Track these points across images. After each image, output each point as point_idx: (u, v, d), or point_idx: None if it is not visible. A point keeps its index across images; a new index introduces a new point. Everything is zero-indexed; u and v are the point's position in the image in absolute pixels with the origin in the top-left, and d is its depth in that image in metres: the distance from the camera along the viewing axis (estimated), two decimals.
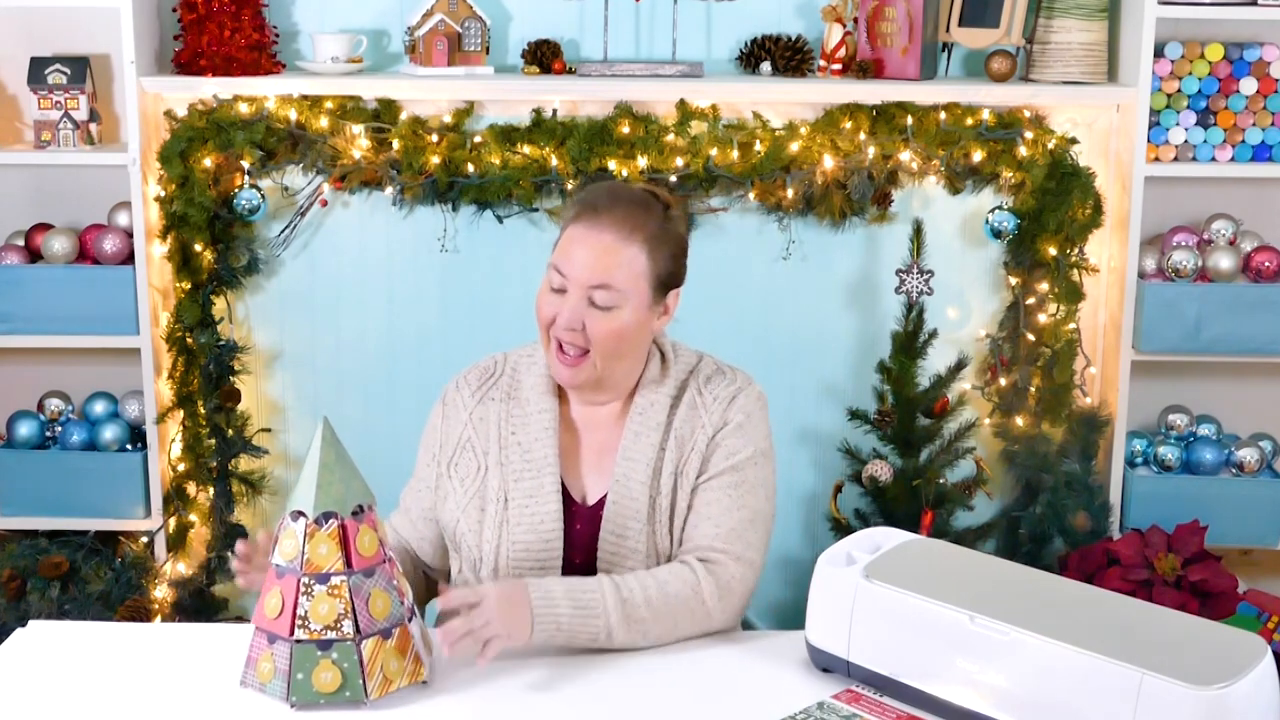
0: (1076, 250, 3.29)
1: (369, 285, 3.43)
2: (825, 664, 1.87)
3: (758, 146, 3.24)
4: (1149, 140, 3.26)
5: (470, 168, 3.23)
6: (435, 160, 3.22)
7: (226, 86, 3.21)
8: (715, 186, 3.28)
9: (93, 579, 3.24)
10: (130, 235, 3.27)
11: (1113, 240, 3.36)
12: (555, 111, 3.29)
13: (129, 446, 3.38)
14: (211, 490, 3.37)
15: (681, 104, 3.26)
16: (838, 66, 3.29)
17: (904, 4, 3.21)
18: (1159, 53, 3.26)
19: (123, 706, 1.80)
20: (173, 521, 3.35)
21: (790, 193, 3.27)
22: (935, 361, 3.34)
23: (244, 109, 3.21)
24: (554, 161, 3.22)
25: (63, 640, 1.99)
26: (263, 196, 3.27)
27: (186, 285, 3.28)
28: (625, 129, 3.23)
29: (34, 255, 3.34)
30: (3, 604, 3.22)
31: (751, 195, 3.30)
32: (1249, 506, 3.34)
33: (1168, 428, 3.44)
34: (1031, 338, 3.33)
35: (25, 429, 3.37)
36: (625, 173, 3.20)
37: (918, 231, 3.31)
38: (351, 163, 3.25)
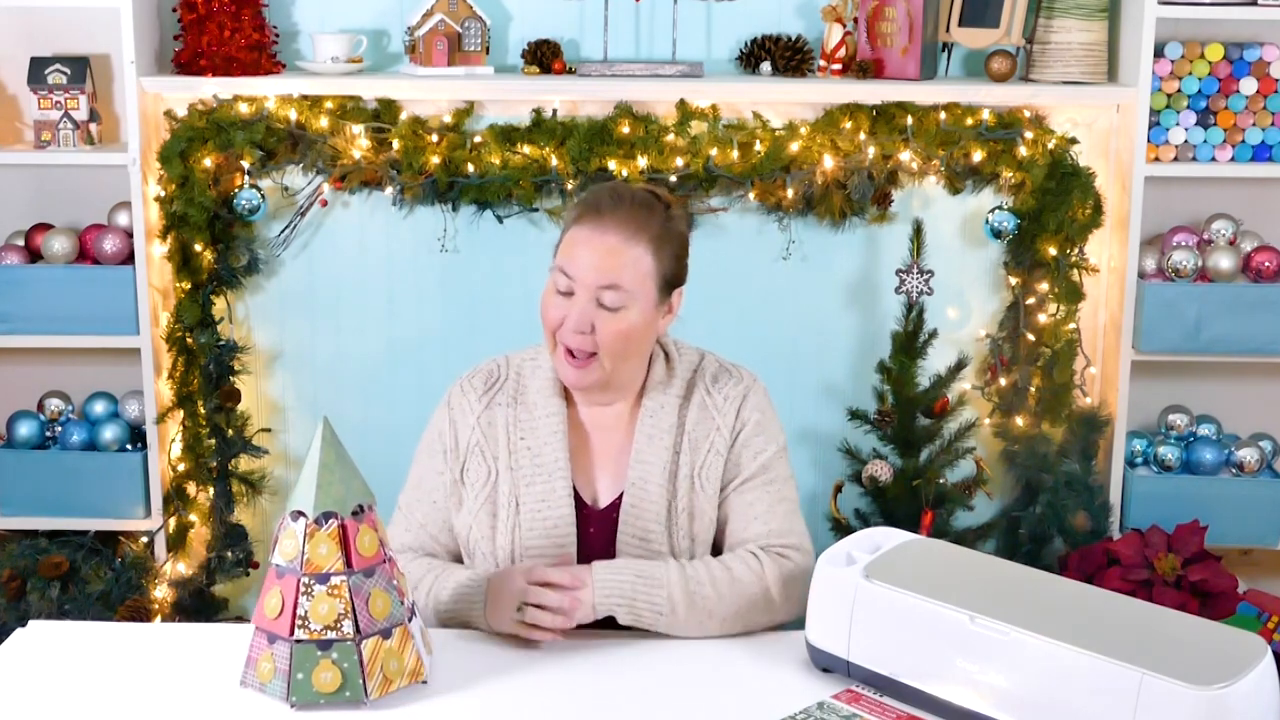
0: (1076, 250, 3.29)
1: (369, 285, 3.43)
2: (825, 664, 1.87)
3: (758, 146, 3.24)
4: (1149, 140, 3.26)
5: (470, 168, 3.23)
6: (435, 160, 3.22)
7: (226, 86, 3.21)
8: (715, 186, 3.28)
9: (93, 579, 3.24)
10: (130, 235, 3.27)
11: (1113, 240, 3.36)
12: (555, 111, 3.29)
13: (129, 446, 3.38)
14: (211, 490, 3.37)
15: (681, 104, 3.26)
16: (838, 66, 3.29)
17: (904, 4, 3.21)
18: (1159, 53, 3.26)
19: (123, 706, 1.80)
20: (173, 521, 3.35)
21: (790, 193, 3.27)
22: (935, 361, 3.34)
23: (244, 109, 3.21)
24: (554, 161, 3.22)
25: (63, 640, 1.99)
26: (263, 196, 3.27)
27: (186, 285, 3.28)
28: (625, 129, 3.23)
29: (34, 255, 3.34)
30: (3, 604, 3.22)
31: (751, 195, 3.30)
32: (1249, 506, 3.34)
33: (1168, 428, 3.44)
34: (1031, 338, 3.33)
35: (25, 429, 3.37)
36: (625, 173, 3.20)
37: (918, 231, 3.31)
38: (351, 163, 3.25)
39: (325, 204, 3.35)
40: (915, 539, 1.95)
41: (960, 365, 3.35)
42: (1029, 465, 3.37)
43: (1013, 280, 3.37)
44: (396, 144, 3.23)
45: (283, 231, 3.38)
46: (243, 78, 3.20)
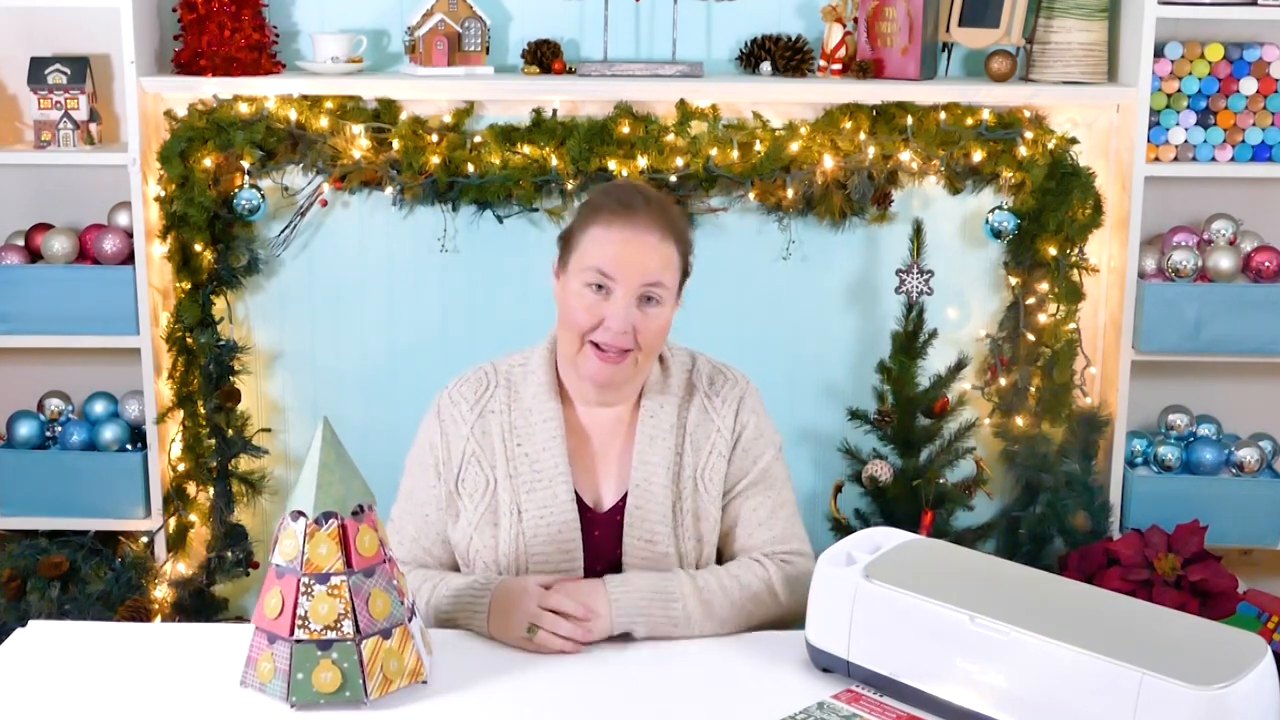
0: (1076, 250, 3.29)
1: (369, 285, 3.43)
2: (825, 664, 1.87)
3: (758, 146, 3.24)
4: (1149, 140, 3.26)
5: (470, 168, 3.23)
6: (435, 160, 3.22)
7: (226, 86, 3.21)
8: (715, 186, 3.28)
9: (93, 579, 3.24)
10: (130, 235, 3.27)
11: (1113, 240, 3.36)
12: (555, 111, 3.29)
13: (129, 446, 3.38)
14: (211, 490, 3.37)
15: (681, 104, 3.26)
16: (838, 66, 3.29)
17: (904, 4, 3.21)
18: (1159, 53, 3.26)
19: (123, 706, 1.80)
20: (173, 521, 3.35)
21: (790, 193, 3.27)
22: (935, 361, 3.34)
23: (244, 109, 3.21)
24: (554, 161, 3.22)
25: (63, 640, 1.99)
26: (263, 196, 3.27)
27: (186, 285, 3.28)
28: (625, 129, 3.23)
29: (34, 255, 3.34)
30: (3, 604, 3.22)
31: (751, 195, 3.30)
32: (1249, 506, 3.34)
33: (1168, 428, 3.44)
34: (1031, 338, 3.33)
35: (25, 429, 3.37)
36: (625, 172, 3.20)
37: (918, 231, 3.31)
38: (351, 163, 3.25)
39: (325, 204, 3.35)
40: (915, 539, 1.95)
41: (960, 365, 3.35)
42: (1029, 465, 3.37)
43: (1013, 280, 3.37)
44: (396, 144, 3.23)
45: (283, 231, 3.38)
46: (243, 78, 3.20)
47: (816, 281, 3.43)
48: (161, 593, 3.28)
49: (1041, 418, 3.35)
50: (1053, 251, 3.26)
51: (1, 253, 3.30)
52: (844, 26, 3.29)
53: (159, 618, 3.24)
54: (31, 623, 2.05)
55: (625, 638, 2.00)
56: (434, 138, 3.24)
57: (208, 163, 3.21)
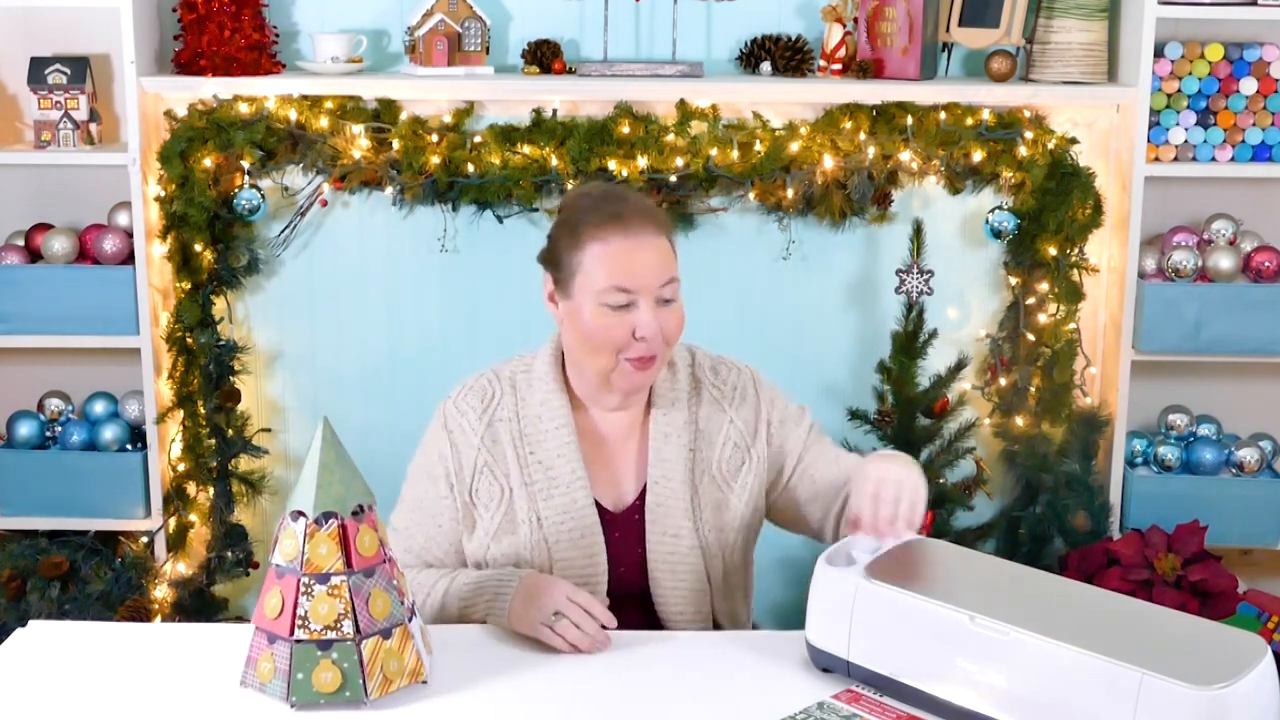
0: (1076, 250, 3.29)
1: (369, 285, 3.43)
2: (825, 664, 1.87)
3: (758, 146, 3.24)
4: (1149, 140, 3.26)
5: (470, 168, 3.23)
6: (435, 160, 3.22)
7: (226, 86, 3.21)
8: (715, 186, 3.28)
9: (93, 579, 3.24)
10: (130, 235, 3.27)
11: (1113, 240, 3.36)
12: (555, 111, 3.29)
13: (129, 446, 3.38)
14: (211, 490, 3.37)
15: (681, 104, 3.25)
16: (838, 66, 3.29)
17: (904, 4, 3.21)
18: (1159, 53, 3.26)
19: (123, 706, 1.80)
20: (173, 521, 3.35)
21: (790, 193, 3.27)
22: (935, 361, 3.34)
23: (244, 109, 3.21)
24: (554, 161, 3.22)
25: (63, 640, 1.99)
26: (263, 196, 3.27)
27: (186, 285, 3.28)
28: (625, 129, 3.23)
29: (34, 255, 3.34)
30: (3, 604, 3.22)
31: (751, 195, 3.30)
32: (1249, 506, 3.34)
33: (1168, 428, 3.44)
34: (1031, 338, 3.33)
35: (25, 429, 3.37)
36: (625, 173, 3.20)
37: (918, 231, 3.31)
38: (351, 163, 3.25)
39: (325, 204, 3.35)
40: (915, 539, 1.95)
41: (960, 365, 3.35)
42: (1029, 465, 3.37)
43: (1013, 280, 3.37)
44: (396, 144, 3.23)
45: (283, 231, 3.38)
46: (243, 78, 3.20)
47: (816, 281, 3.43)
48: (161, 593, 3.28)
49: (1041, 418, 3.35)
50: (1053, 251, 3.26)
51: (1, 253, 3.30)
52: (844, 26, 3.29)
53: (159, 618, 3.24)
54: (31, 623, 2.05)
55: (625, 634, 1.99)
56: (434, 138, 3.24)
57: (208, 163, 3.21)
